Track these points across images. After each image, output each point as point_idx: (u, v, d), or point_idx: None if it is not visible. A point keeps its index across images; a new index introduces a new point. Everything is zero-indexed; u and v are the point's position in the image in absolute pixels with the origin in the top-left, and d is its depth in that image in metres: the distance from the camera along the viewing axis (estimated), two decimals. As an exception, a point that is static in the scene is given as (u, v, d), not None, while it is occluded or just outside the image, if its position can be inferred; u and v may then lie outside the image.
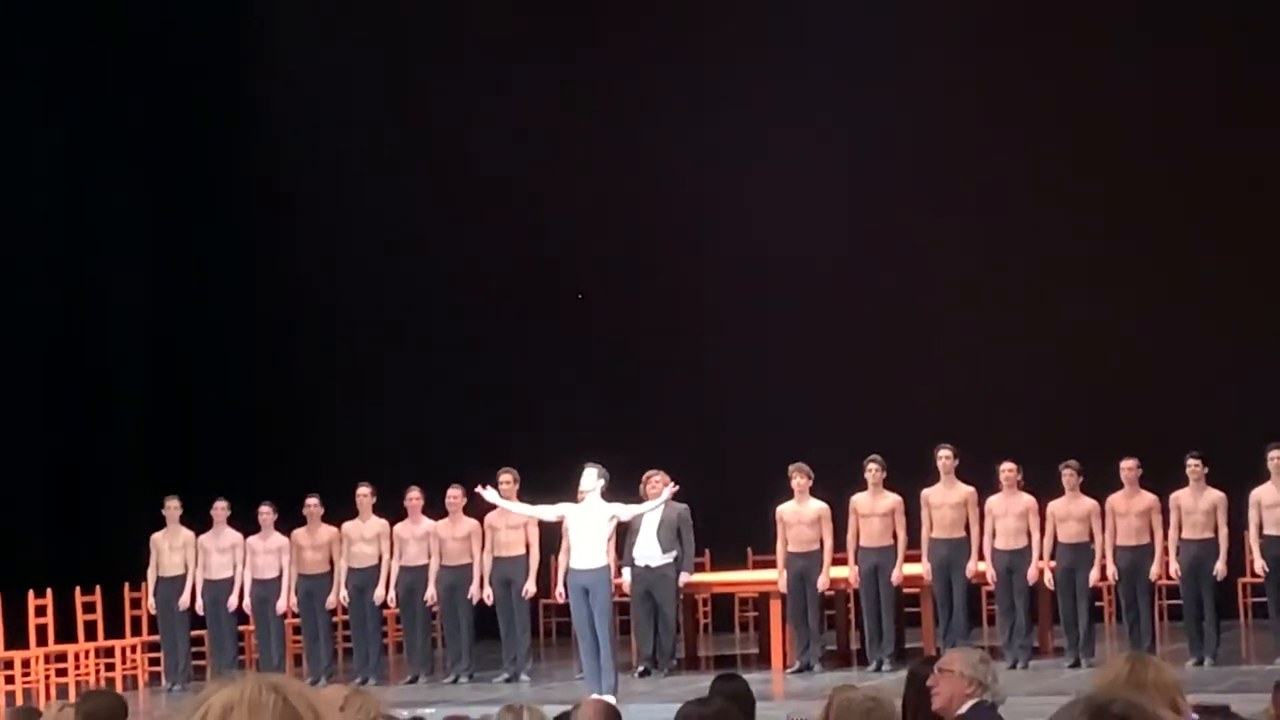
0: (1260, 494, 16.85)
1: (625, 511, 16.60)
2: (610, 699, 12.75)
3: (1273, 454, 16.77)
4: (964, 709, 6.87)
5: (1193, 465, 16.92)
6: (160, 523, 18.83)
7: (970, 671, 6.98)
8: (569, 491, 16.52)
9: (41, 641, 18.71)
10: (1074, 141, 20.93)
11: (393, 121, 22.39)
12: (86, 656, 19.04)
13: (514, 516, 17.47)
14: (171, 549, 18.75)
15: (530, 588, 17.98)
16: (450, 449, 19.70)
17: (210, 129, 22.45)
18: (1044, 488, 17.31)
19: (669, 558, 17.88)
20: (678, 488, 16.67)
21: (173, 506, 18.76)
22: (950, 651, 7.68)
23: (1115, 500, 17.14)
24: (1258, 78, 20.58)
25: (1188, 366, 20.19)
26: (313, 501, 18.45)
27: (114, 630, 19.54)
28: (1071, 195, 20.88)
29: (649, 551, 17.87)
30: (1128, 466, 17.09)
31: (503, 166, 22.06)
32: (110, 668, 19.14)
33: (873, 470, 17.61)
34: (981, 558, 17.49)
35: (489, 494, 16.67)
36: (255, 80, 22.94)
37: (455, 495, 18.09)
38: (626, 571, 17.89)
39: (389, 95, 22.46)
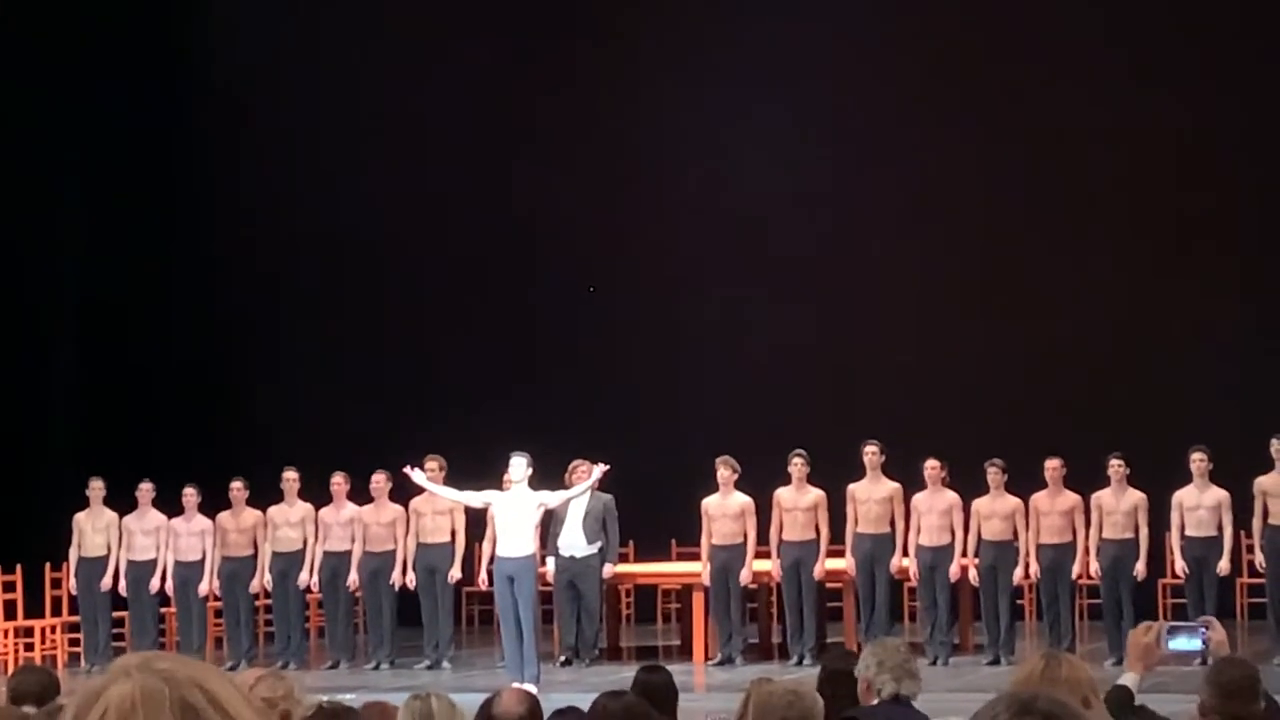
0: (1182, 496, 16.99)
1: (554, 498, 16.62)
2: (531, 688, 12.77)
3: (1194, 456, 16.91)
4: (873, 703, 6.89)
5: (1115, 466, 17.03)
6: (83, 503, 18.74)
7: (861, 670, 6.99)
8: (495, 479, 16.52)
9: (-39, 620, 18.61)
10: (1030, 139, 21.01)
11: (326, 97, 22.24)
12: (5, 636, 18.92)
13: (440, 502, 17.46)
14: (94, 529, 18.65)
15: (455, 574, 17.96)
16: (377, 435, 19.65)
17: (141, 103, 22.28)
18: (969, 485, 17.39)
19: (593, 548, 17.89)
20: (608, 468, 16.68)
21: (96, 487, 18.68)
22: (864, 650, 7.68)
23: (1038, 499, 17.24)
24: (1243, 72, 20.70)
25: (1112, 369, 20.31)
26: (238, 485, 18.38)
27: (34, 610, 19.42)
28: (1026, 197, 20.93)
29: (574, 541, 17.87)
30: (1051, 466, 17.19)
31: (434, 150, 21.98)
32: (29, 648, 19.01)
33: (796, 465, 17.64)
34: (905, 553, 17.56)
35: (416, 475, 16.65)
36: (191, 65, 22.80)
37: (379, 480, 18.05)
38: (551, 561, 17.88)
39: (324, 68, 22.30)
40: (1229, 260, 20.22)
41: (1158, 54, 20.64)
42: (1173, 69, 20.57)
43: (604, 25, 22.06)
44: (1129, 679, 6.52)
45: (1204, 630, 6.64)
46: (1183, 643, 6.53)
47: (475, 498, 16.67)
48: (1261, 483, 16.88)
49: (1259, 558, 17.03)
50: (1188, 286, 20.36)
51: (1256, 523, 16.93)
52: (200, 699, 2.22)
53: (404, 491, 17.63)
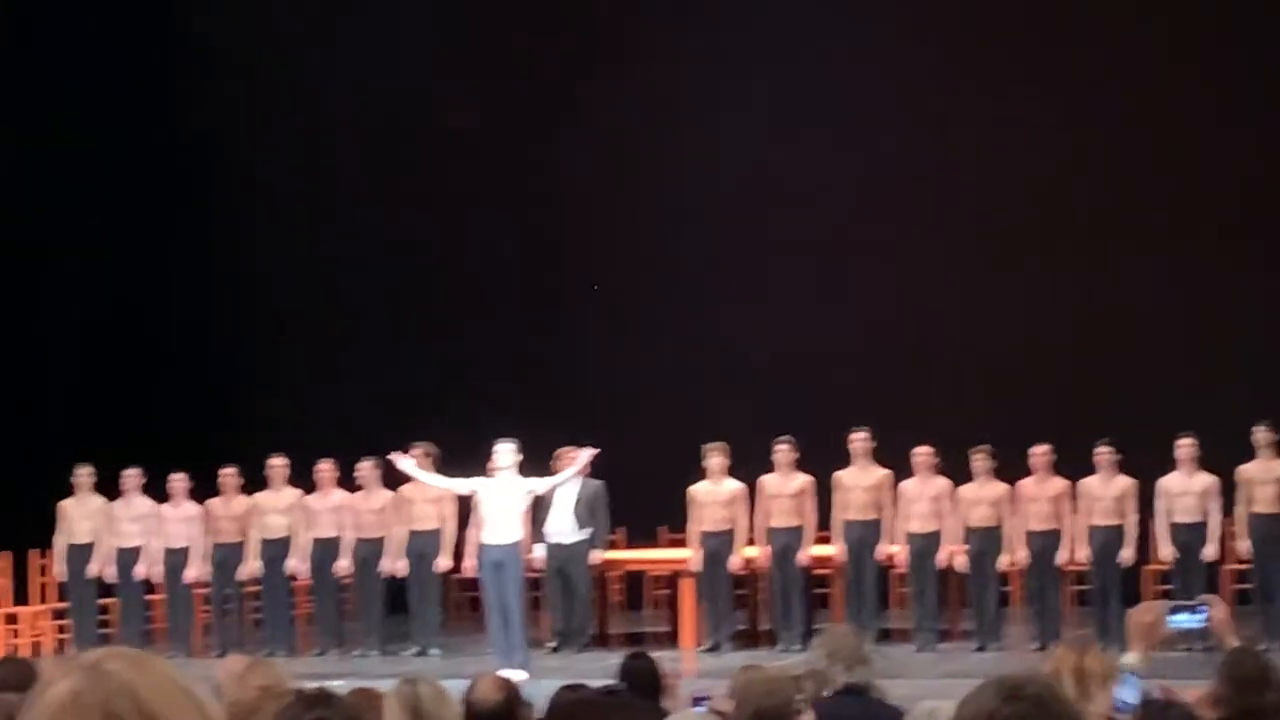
0: (1168, 482, 17.03)
1: (542, 485, 16.62)
2: (521, 674, 12.78)
3: (1182, 443, 16.95)
4: (827, 693, 6.90)
5: (1103, 452, 17.06)
6: (71, 490, 18.73)
7: (815, 666, 7.00)
8: (483, 466, 16.53)
9: (-52, 607, 18.61)
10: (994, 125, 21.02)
11: (323, 89, 22.20)
12: (-7, 623, 18.94)
13: (430, 490, 17.45)
14: (82, 516, 18.65)
15: (443, 562, 17.96)
16: (365, 422, 19.62)
17: (137, 90, 22.23)
18: (958, 472, 17.41)
19: (583, 534, 17.89)
20: (597, 452, 16.64)
21: (84, 474, 18.68)
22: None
23: (1026, 486, 17.27)
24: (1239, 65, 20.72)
25: (1100, 356, 20.32)
26: (229, 471, 18.39)
27: (21, 597, 19.41)
28: (1017, 184, 20.93)
29: (563, 528, 17.88)
30: (1039, 452, 17.22)
31: (423, 140, 21.97)
32: (16, 634, 19.02)
33: (783, 451, 17.65)
34: (894, 541, 17.58)
35: (402, 463, 16.64)
36: (189, 51, 22.77)
37: (368, 467, 18.05)
38: (540, 548, 17.89)
39: (322, 58, 22.25)
40: (1217, 247, 20.22)
41: (1164, 38, 20.66)
42: (1181, 53, 20.58)
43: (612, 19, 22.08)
44: (1130, 659, 6.54)
45: (1205, 609, 6.65)
46: (1185, 620, 6.53)
47: (462, 485, 16.67)
48: (1245, 470, 16.93)
49: (1245, 544, 17.06)
50: (1177, 274, 20.37)
51: (1241, 510, 16.97)
52: (127, 707, 2.19)
53: (393, 479, 17.63)
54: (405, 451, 16.77)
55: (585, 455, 16.67)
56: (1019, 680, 3.27)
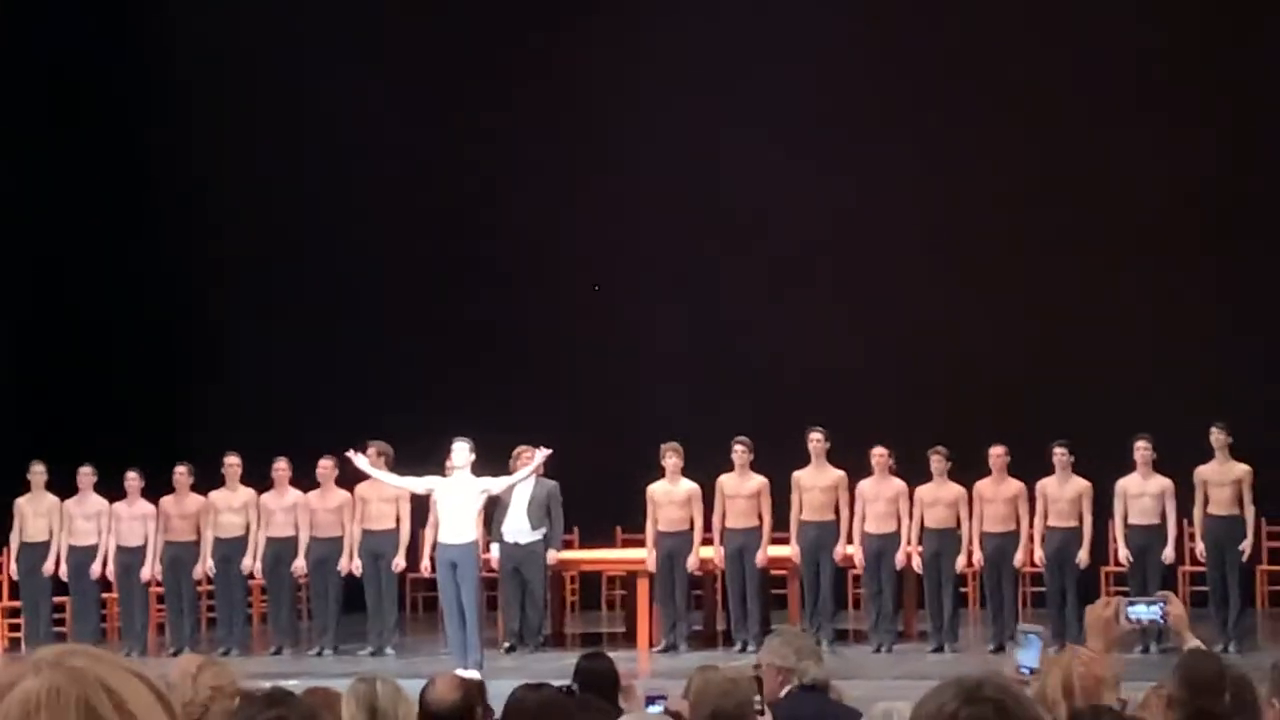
0: (1125, 484, 17.07)
1: (497, 484, 16.62)
2: (475, 674, 12.75)
3: (1139, 444, 16.99)
4: (782, 694, 6.88)
5: (1059, 454, 17.10)
6: (24, 488, 18.63)
7: (775, 660, 6.98)
8: (438, 465, 16.50)
9: (-100, 605, 18.49)
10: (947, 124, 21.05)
11: (273, 81, 22.11)
12: (-54, 621, 18.82)
13: (386, 489, 17.42)
14: (36, 514, 18.55)
15: (399, 562, 17.92)
16: (320, 420, 19.56)
17: (95, 69, 22.12)
18: (914, 473, 17.43)
19: (538, 534, 17.86)
20: (550, 451, 16.66)
21: (38, 472, 18.57)
22: (765, 643, 7.66)
23: (982, 487, 17.30)
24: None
25: (1056, 358, 20.36)
26: (182, 469, 18.32)
27: (-26, 596, 19.31)
28: (973, 187, 20.96)
29: (518, 528, 17.84)
30: (996, 453, 17.25)
31: (375, 131, 21.90)
32: (-30, 633, 18.92)
33: (739, 452, 17.65)
34: (850, 541, 17.59)
35: (359, 460, 16.64)
36: (146, 32, 22.67)
37: (326, 466, 18.01)
38: (495, 547, 17.86)
39: (270, 58, 22.18)
40: (1175, 254, 20.28)
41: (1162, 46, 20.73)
42: (1169, 62, 20.65)
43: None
44: None
45: (1163, 604, 6.68)
46: (1142, 612, 6.56)
47: (418, 483, 16.67)
48: (1201, 472, 16.98)
49: (1200, 546, 17.12)
50: (1134, 277, 20.43)
51: (1198, 512, 17.02)
52: (105, 701, 2.19)
53: (350, 477, 17.58)
54: (362, 450, 16.76)
55: (540, 456, 16.71)
56: (977, 681, 3.25)
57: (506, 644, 17.75)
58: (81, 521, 18.47)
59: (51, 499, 18.57)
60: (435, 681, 6.46)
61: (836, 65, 21.11)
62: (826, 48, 21.22)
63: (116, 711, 2.18)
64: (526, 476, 17.10)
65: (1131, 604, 6.60)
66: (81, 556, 18.42)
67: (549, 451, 16.64)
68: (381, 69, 21.93)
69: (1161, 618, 6.70)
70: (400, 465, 17.21)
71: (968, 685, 3.17)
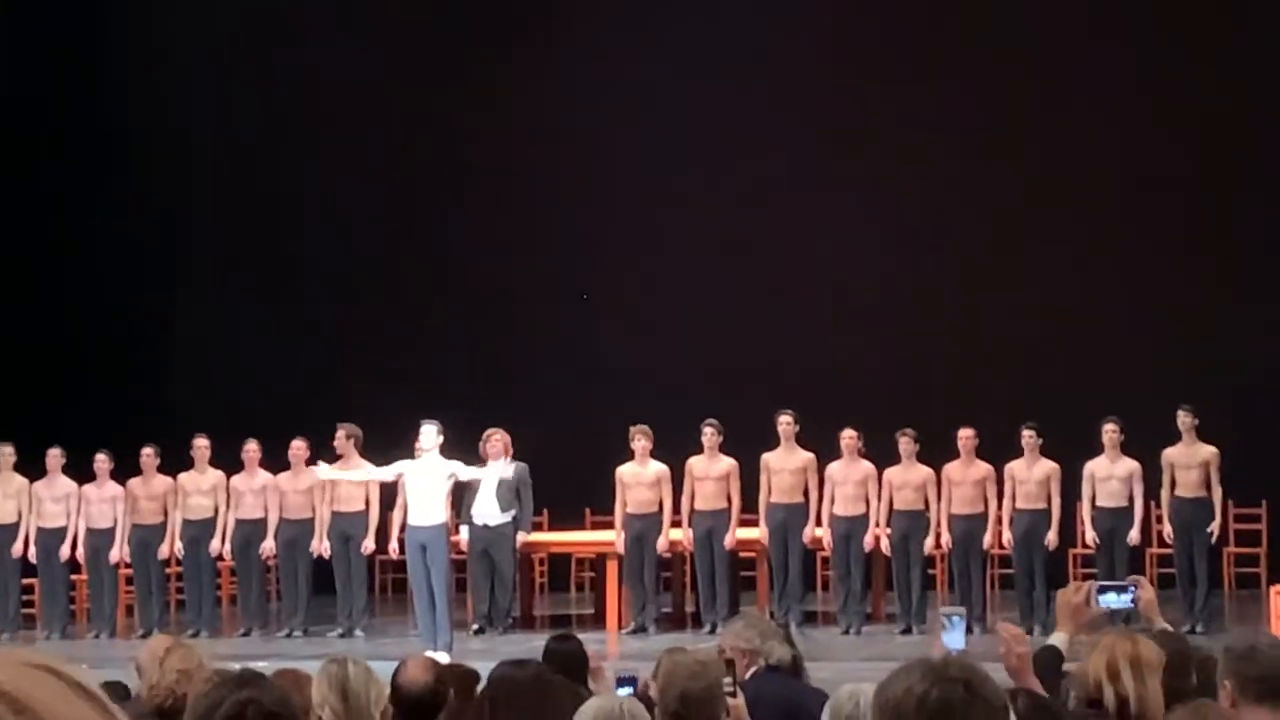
0: (1093, 466, 17.12)
1: (463, 473, 16.63)
2: (444, 656, 12.76)
3: (1106, 428, 17.05)
4: (747, 676, 6.90)
5: (1027, 436, 17.14)
6: (-8, 469, 18.58)
7: (740, 643, 7.00)
8: (408, 446, 16.50)
9: None
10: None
11: (240, 54, 22.03)
12: (-87, 603, 18.75)
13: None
14: (4, 496, 18.50)
15: (369, 544, 17.92)
16: (290, 403, 19.55)
17: (60, 54, 22.06)
18: (882, 455, 17.45)
19: (507, 516, 17.86)
20: (514, 463, 16.87)
21: (6, 453, 18.51)
22: (727, 626, 7.68)
23: (950, 469, 17.34)
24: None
25: (1025, 339, 20.41)
26: (149, 451, 18.28)
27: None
28: (941, 176, 20.99)
29: (488, 510, 17.84)
30: (964, 436, 17.29)
31: (345, 110, 21.85)
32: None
33: (709, 434, 17.66)
34: (819, 523, 17.61)
35: (323, 470, 16.81)
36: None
37: (299, 447, 18.00)
38: (464, 529, 17.87)
39: (239, 20, 22.12)
40: (1145, 236, 20.33)
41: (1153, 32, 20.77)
42: (1149, 44, 20.69)
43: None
44: (1058, 639, 6.57)
45: (1133, 589, 6.73)
46: (1113, 600, 6.61)
47: (387, 472, 16.73)
48: (1169, 454, 17.04)
49: (1168, 528, 17.18)
50: (1102, 261, 20.49)
51: (1165, 494, 17.08)
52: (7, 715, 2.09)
53: (321, 459, 17.57)
54: (330, 436, 16.80)
55: (502, 464, 17.16)
56: (943, 660, 3.26)
57: (475, 626, 17.76)
58: (50, 504, 18.43)
59: (20, 480, 18.52)
60: (407, 663, 6.46)
61: (836, 65, 21.10)
62: (826, 47, 21.22)
63: (14, 713, 2.02)
64: (492, 475, 17.28)
65: (1102, 591, 6.64)
66: (50, 539, 18.37)
67: (512, 463, 16.98)
68: (365, 52, 21.89)
69: (1133, 603, 6.75)
70: (369, 448, 17.21)
71: (934, 665, 3.18)
